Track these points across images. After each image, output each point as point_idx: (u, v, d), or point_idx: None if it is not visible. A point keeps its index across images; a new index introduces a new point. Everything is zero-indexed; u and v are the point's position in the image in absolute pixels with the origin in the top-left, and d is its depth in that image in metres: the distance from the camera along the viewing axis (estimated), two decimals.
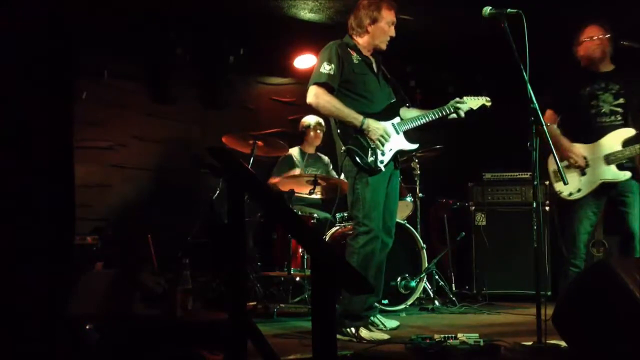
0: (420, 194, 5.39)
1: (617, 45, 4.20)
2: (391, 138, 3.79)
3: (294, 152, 5.81)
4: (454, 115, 3.90)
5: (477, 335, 3.21)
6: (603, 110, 4.16)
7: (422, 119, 3.88)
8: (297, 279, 4.96)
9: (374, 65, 3.94)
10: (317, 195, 5.19)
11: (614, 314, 2.73)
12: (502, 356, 2.97)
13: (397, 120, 3.90)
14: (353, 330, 3.59)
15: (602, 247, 5.36)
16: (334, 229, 5.25)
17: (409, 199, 5.31)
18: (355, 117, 3.70)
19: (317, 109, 3.79)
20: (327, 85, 3.74)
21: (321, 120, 5.84)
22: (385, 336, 3.58)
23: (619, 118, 4.14)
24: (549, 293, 5.11)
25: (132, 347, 2.63)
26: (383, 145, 3.74)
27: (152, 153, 6.03)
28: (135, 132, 5.97)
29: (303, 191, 5.17)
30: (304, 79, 6.68)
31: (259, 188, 2.88)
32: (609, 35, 4.19)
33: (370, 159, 3.72)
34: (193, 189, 5.99)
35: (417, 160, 5.42)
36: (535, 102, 3.35)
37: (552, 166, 4.25)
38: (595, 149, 4.14)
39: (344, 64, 3.78)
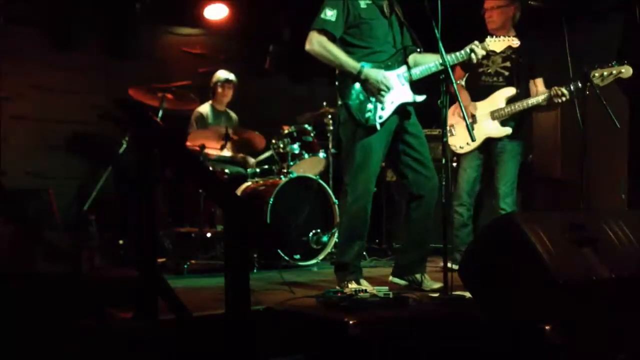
0: (332, 150, 5.41)
1: (526, 5, 4.35)
2: (394, 90, 3.58)
3: (206, 109, 5.65)
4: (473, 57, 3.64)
5: (386, 288, 3.29)
6: (489, 70, 4.50)
7: (432, 68, 3.60)
8: (208, 234, 4.90)
9: (386, 8, 3.67)
10: (227, 152, 5.11)
11: (515, 266, 2.86)
12: (410, 308, 3.05)
13: (403, 69, 3.65)
14: (345, 283, 3.53)
15: None
16: (245, 185, 5.21)
17: (321, 154, 5.32)
18: (353, 66, 3.50)
19: (314, 56, 3.56)
20: (325, 32, 3.52)
21: (231, 77, 5.71)
22: (366, 287, 3.32)
23: (501, 79, 4.46)
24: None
25: (35, 307, 2.52)
26: (383, 98, 3.54)
27: (52, 104, 5.72)
28: (34, 81, 5.64)
29: (214, 146, 5.07)
30: (215, 31, 6.56)
31: (170, 142, 2.79)
32: (509, 4, 4.42)
33: (368, 114, 3.53)
34: (97, 142, 5.76)
35: (330, 116, 5.42)
36: (446, 60, 3.41)
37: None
38: (483, 106, 4.46)
39: (350, 10, 3.55)
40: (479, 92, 4.49)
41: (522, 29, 4.37)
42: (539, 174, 5.83)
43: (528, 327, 2.61)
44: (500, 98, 4.43)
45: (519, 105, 4.35)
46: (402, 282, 3.73)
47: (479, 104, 4.46)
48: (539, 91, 4.44)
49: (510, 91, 4.41)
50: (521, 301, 2.75)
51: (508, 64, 4.45)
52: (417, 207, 3.73)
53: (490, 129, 4.43)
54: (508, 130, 4.41)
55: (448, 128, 4.48)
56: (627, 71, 4.09)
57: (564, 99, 4.23)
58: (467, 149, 4.50)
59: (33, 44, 5.60)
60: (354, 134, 3.60)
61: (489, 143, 4.46)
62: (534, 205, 5.66)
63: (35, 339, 2.40)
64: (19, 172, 5.39)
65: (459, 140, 4.52)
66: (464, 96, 4.39)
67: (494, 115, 4.41)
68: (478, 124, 4.44)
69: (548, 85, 4.38)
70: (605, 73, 4.08)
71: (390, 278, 3.79)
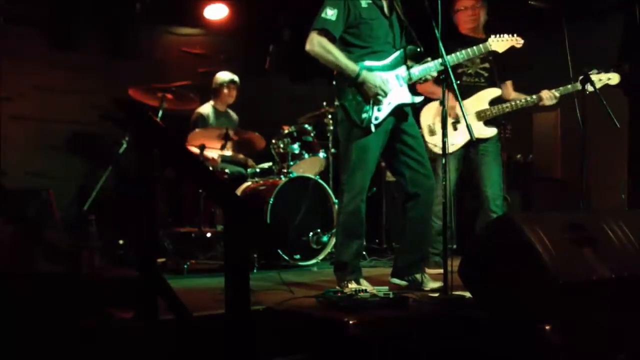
0: (332, 149, 5.41)
1: (526, 5, 4.35)
2: (392, 91, 3.57)
3: (207, 109, 5.65)
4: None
5: (386, 288, 3.29)
6: (469, 70, 4.43)
7: (431, 68, 3.61)
8: (208, 234, 4.90)
9: (386, 7, 3.64)
10: (228, 152, 5.11)
11: (515, 266, 2.86)
12: (410, 308, 3.05)
13: (402, 70, 3.63)
14: (345, 282, 3.53)
15: (505, 202, 5.59)
16: (245, 185, 5.21)
17: (321, 154, 5.32)
18: (352, 70, 3.48)
19: (314, 57, 3.55)
20: (326, 31, 3.50)
21: (235, 78, 5.71)
22: (366, 287, 3.32)
23: (482, 80, 4.41)
24: (455, 246, 5.28)
25: (35, 307, 2.51)
26: (380, 101, 3.53)
27: (52, 104, 5.72)
28: (34, 81, 5.64)
29: (214, 146, 5.07)
30: (215, 31, 6.57)
31: (170, 142, 2.79)
32: (480, 4, 4.40)
33: (364, 115, 3.52)
34: (97, 142, 5.77)
35: (330, 116, 5.42)
36: (446, 58, 3.40)
37: (425, 121, 4.46)
38: (468, 106, 4.35)
39: (350, 10, 3.53)
40: (460, 92, 4.42)
41: (522, 29, 4.38)
42: (539, 174, 5.83)
43: (528, 327, 2.61)
44: (485, 98, 4.36)
45: (508, 107, 4.30)
46: (403, 283, 3.72)
47: (465, 102, 4.40)
48: (510, 93, 4.44)
49: (496, 92, 4.36)
50: (521, 301, 2.75)
51: (487, 65, 4.42)
52: (414, 206, 3.72)
53: (476, 129, 4.26)
54: (494, 131, 4.36)
55: (428, 128, 4.44)
56: (614, 79, 4.09)
57: (554, 101, 4.24)
58: (449, 149, 4.42)
59: (33, 44, 5.60)
60: (350, 134, 3.60)
61: (471, 144, 4.35)
62: (534, 205, 5.66)
63: (35, 339, 2.40)
64: (19, 172, 5.39)
65: (441, 141, 4.44)
66: (452, 96, 4.35)
67: (480, 115, 4.34)
68: (462, 124, 4.30)
69: (545, 85, 4.37)
70: (595, 79, 4.08)
71: (390, 279, 3.79)
